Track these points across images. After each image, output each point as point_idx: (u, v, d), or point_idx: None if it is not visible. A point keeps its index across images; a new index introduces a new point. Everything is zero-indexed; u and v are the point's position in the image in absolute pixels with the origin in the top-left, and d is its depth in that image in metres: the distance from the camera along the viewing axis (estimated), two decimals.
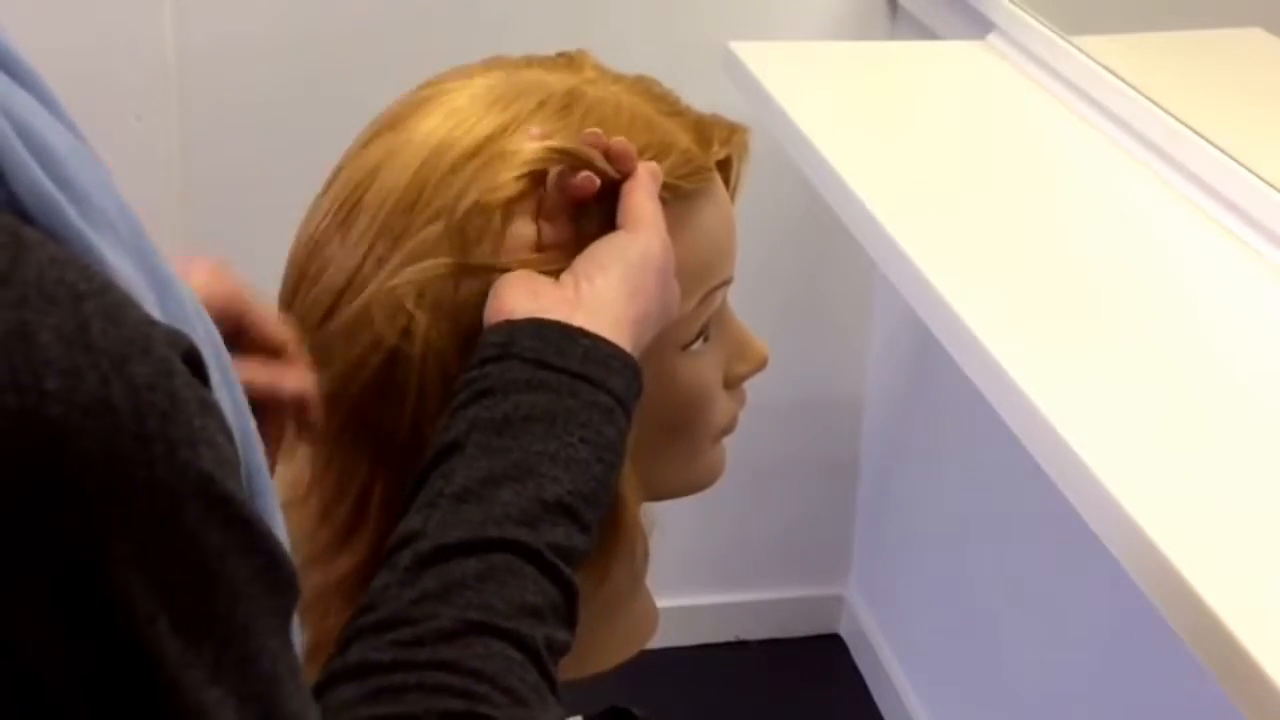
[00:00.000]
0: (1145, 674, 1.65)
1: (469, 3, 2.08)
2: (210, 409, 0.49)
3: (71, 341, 0.44)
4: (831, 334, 2.40)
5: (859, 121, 1.64)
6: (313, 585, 0.82)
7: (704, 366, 0.88)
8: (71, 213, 0.49)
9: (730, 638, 2.53)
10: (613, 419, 0.76)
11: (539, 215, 0.81)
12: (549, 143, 0.81)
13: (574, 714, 0.98)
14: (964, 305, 1.23)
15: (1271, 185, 1.34)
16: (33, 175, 0.48)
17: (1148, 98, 1.53)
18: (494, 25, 2.06)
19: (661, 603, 0.97)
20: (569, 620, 0.72)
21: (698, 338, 0.87)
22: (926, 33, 2.05)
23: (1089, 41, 1.66)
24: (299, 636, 0.55)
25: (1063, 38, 1.69)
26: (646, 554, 0.89)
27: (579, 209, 0.82)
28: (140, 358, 0.46)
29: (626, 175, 0.82)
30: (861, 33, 2.18)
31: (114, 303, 0.47)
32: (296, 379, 0.75)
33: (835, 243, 2.00)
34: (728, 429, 0.92)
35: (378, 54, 2.00)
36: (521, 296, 0.78)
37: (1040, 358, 1.17)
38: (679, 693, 2.30)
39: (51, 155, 0.50)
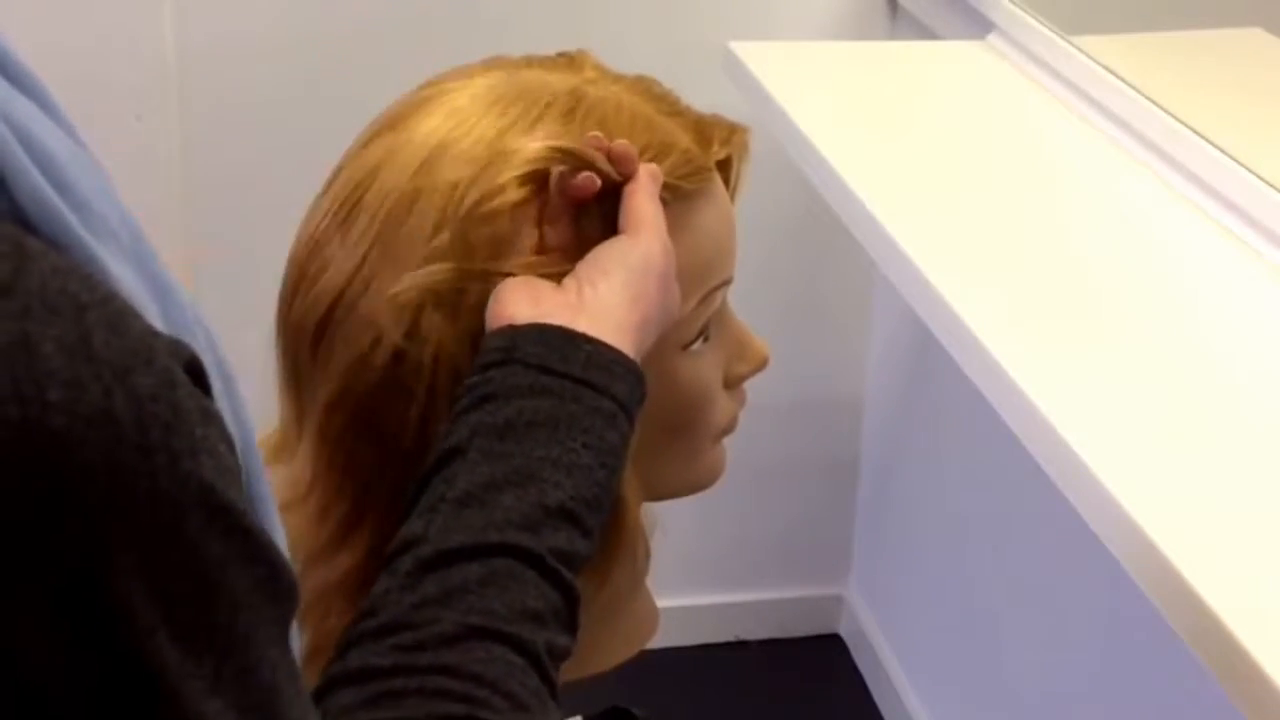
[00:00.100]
0: (1145, 674, 1.65)
1: (469, 3, 2.08)
2: (212, 419, 0.49)
3: (74, 352, 0.44)
4: (831, 334, 2.40)
5: (859, 121, 1.64)
6: (313, 585, 0.82)
7: (704, 366, 0.88)
8: (73, 221, 0.49)
9: (730, 638, 2.53)
10: (615, 424, 0.76)
11: (540, 216, 0.81)
12: (550, 143, 0.81)
13: (574, 714, 0.98)
14: (964, 305, 1.23)
15: (1271, 185, 1.34)
16: (34, 183, 0.48)
17: (1148, 98, 1.53)
18: (494, 25, 2.06)
19: (662, 603, 0.97)
20: (570, 625, 0.72)
21: (698, 338, 0.87)
22: (926, 33, 2.05)
23: (1089, 41, 1.66)
24: (298, 639, 0.55)
25: (1063, 38, 1.69)
26: (647, 554, 0.89)
27: (580, 210, 0.82)
28: (143, 368, 0.46)
29: (628, 177, 0.82)
30: (861, 33, 2.18)
31: (117, 313, 0.47)
32: None
33: (835, 243, 2.00)
34: (728, 429, 0.92)
35: (378, 54, 2.00)
36: (523, 301, 0.78)
37: (1040, 358, 1.17)
38: (679, 693, 2.30)
39: (52, 162, 0.50)
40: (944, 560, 2.24)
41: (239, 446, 0.52)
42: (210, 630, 0.48)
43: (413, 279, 0.80)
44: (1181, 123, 1.47)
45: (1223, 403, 1.13)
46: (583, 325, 0.76)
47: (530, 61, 0.89)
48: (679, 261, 0.83)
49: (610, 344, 0.77)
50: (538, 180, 0.81)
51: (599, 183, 0.81)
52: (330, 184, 0.86)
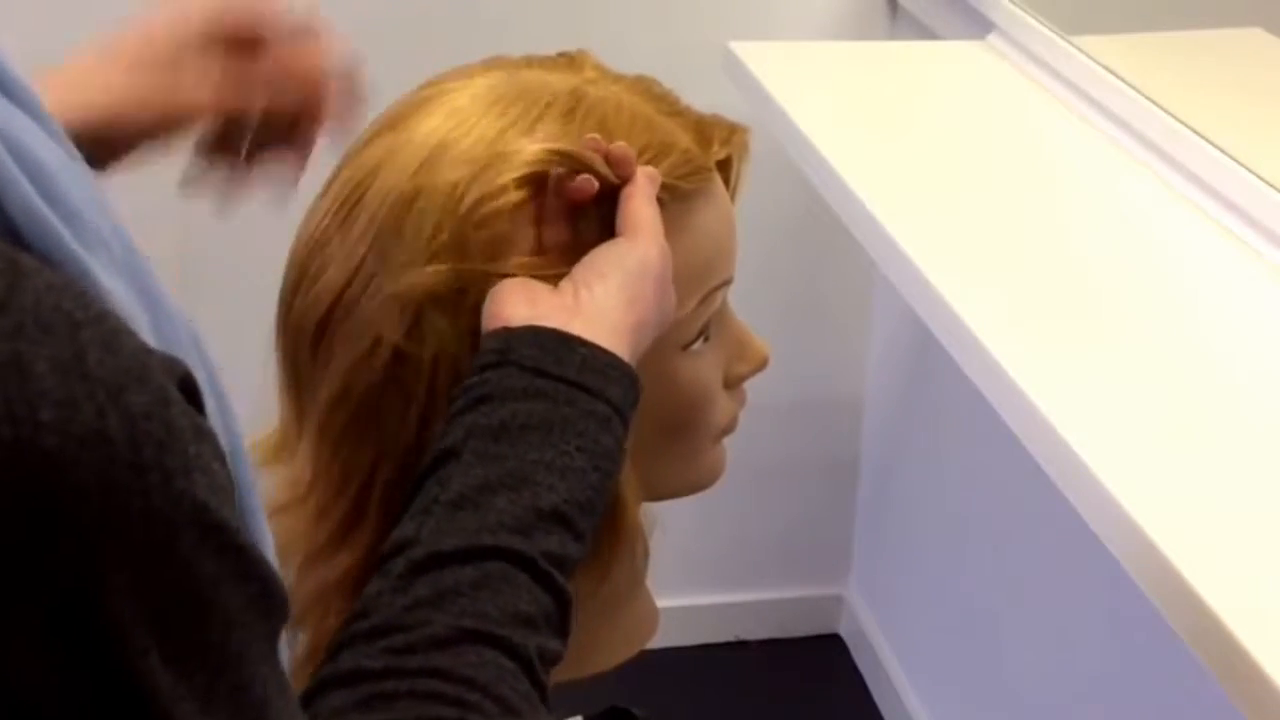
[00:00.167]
0: (1145, 674, 1.65)
1: (469, 3, 2.08)
2: (205, 436, 0.49)
3: (68, 371, 0.44)
4: (831, 334, 2.40)
5: (859, 121, 1.64)
6: (313, 584, 0.82)
7: (704, 366, 0.88)
8: (65, 234, 0.49)
9: (730, 638, 2.53)
10: (609, 428, 0.75)
11: (538, 218, 0.81)
12: (549, 145, 0.81)
13: (574, 714, 0.98)
14: (964, 305, 1.23)
15: (1271, 185, 1.34)
16: (26, 196, 0.48)
17: (1148, 98, 1.53)
18: (494, 25, 2.06)
19: (661, 603, 0.97)
20: (562, 630, 0.72)
21: (698, 338, 0.87)
22: (926, 33, 2.05)
23: (1089, 41, 1.66)
24: (289, 648, 0.55)
25: (1063, 38, 1.69)
26: (646, 554, 0.89)
27: (577, 212, 0.82)
28: (137, 387, 0.46)
29: (625, 180, 0.82)
30: (861, 33, 2.18)
31: (111, 331, 0.47)
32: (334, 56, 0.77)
33: (835, 243, 2.00)
34: (728, 429, 0.92)
35: (378, 54, 1.99)
36: (519, 303, 0.78)
37: (1040, 358, 1.17)
38: (679, 693, 2.30)
39: (43, 172, 0.49)
40: (944, 560, 2.24)
41: (229, 456, 0.52)
42: (203, 649, 0.48)
43: (413, 279, 0.80)
44: (1181, 123, 1.47)
45: (1223, 403, 1.13)
46: (578, 328, 0.76)
47: (530, 61, 0.89)
48: (679, 261, 0.83)
49: (605, 347, 0.76)
50: (536, 182, 0.81)
51: (597, 185, 0.81)
52: (330, 184, 0.86)
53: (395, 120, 0.85)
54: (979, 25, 1.85)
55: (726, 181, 0.90)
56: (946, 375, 1.53)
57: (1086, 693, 1.80)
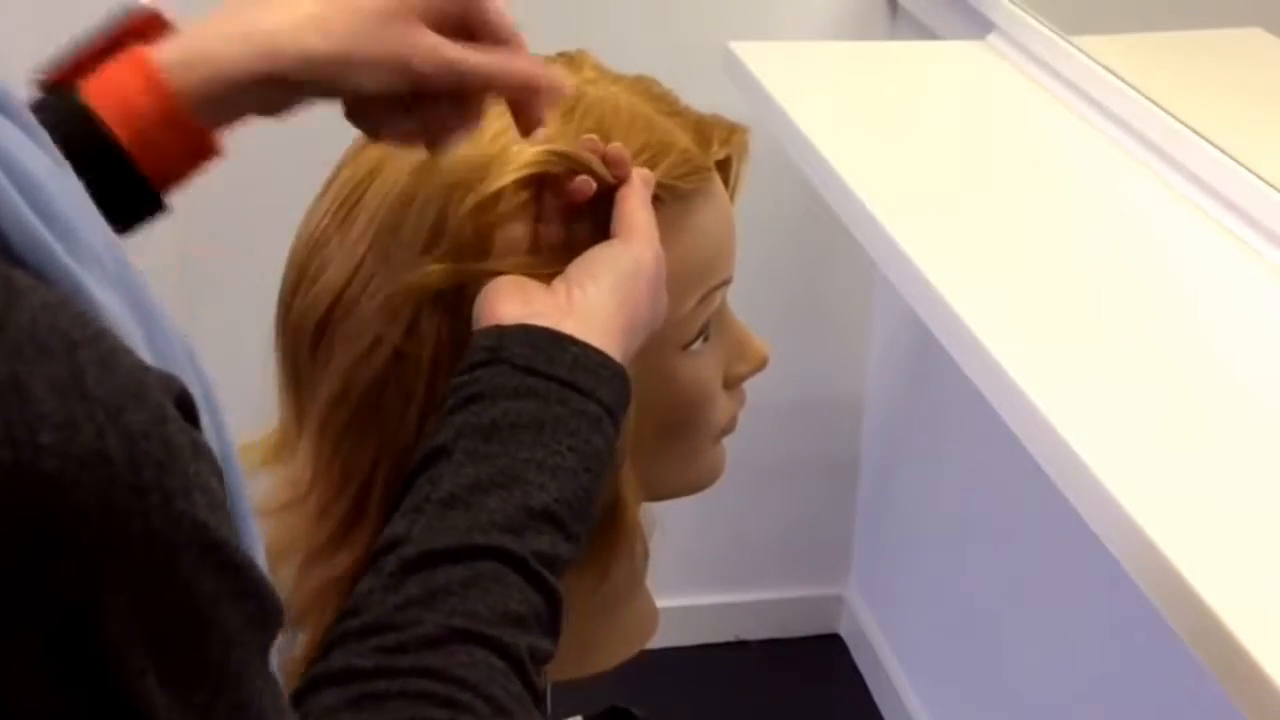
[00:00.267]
0: (1145, 674, 1.65)
1: None
2: (202, 453, 0.49)
3: (66, 392, 0.44)
4: (831, 334, 2.40)
5: (859, 121, 1.64)
6: (313, 584, 0.82)
7: (704, 366, 0.88)
8: (59, 250, 0.48)
9: (730, 638, 2.53)
10: (600, 428, 0.75)
11: (536, 218, 0.81)
12: (547, 146, 0.81)
13: (574, 714, 0.98)
14: (964, 305, 1.23)
15: (1271, 185, 1.34)
16: (19, 212, 0.48)
17: (1148, 98, 1.53)
18: None
19: (661, 603, 0.97)
20: (552, 629, 0.72)
21: (698, 338, 0.87)
22: (926, 33, 2.05)
23: (1089, 41, 1.66)
24: (276, 657, 0.55)
25: (1063, 38, 1.69)
26: (646, 554, 0.89)
27: (573, 212, 0.82)
28: (135, 406, 0.46)
29: (621, 181, 0.82)
30: (861, 33, 2.18)
31: (108, 349, 0.46)
32: (528, 63, 0.78)
33: (835, 243, 2.00)
34: (727, 429, 0.92)
35: None
36: (512, 301, 0.78)
37: (1040, 358, 1.17)
38: (679, 693, 2.30)
39: (36, 187, 0.49)
40: (944, 560, 2.24)
41: (220, 462, 0.51)
42: (202, 668, 0.48)
43: (412, 279, 0.80)
44: (1181, 123, 1.47)
45: (1223, 403, 1.13)
46: (569, 327, 0.76)
47: None
48: (678, 261, 0.83)
49: (597, 346, 0.76)
50: (535, 183, 0.81)
51: (594, 186, 0.81)
52: (330, 184, 0.86)
53: None
54: (979, 25, 1.85)
55: (726, 181, 0.90)
56: (946, 375, 1.53)
57: (1086, 693, 1.80)
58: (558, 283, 0.79)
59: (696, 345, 0.87)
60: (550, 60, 0.90)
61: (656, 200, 0.83)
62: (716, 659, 2.49)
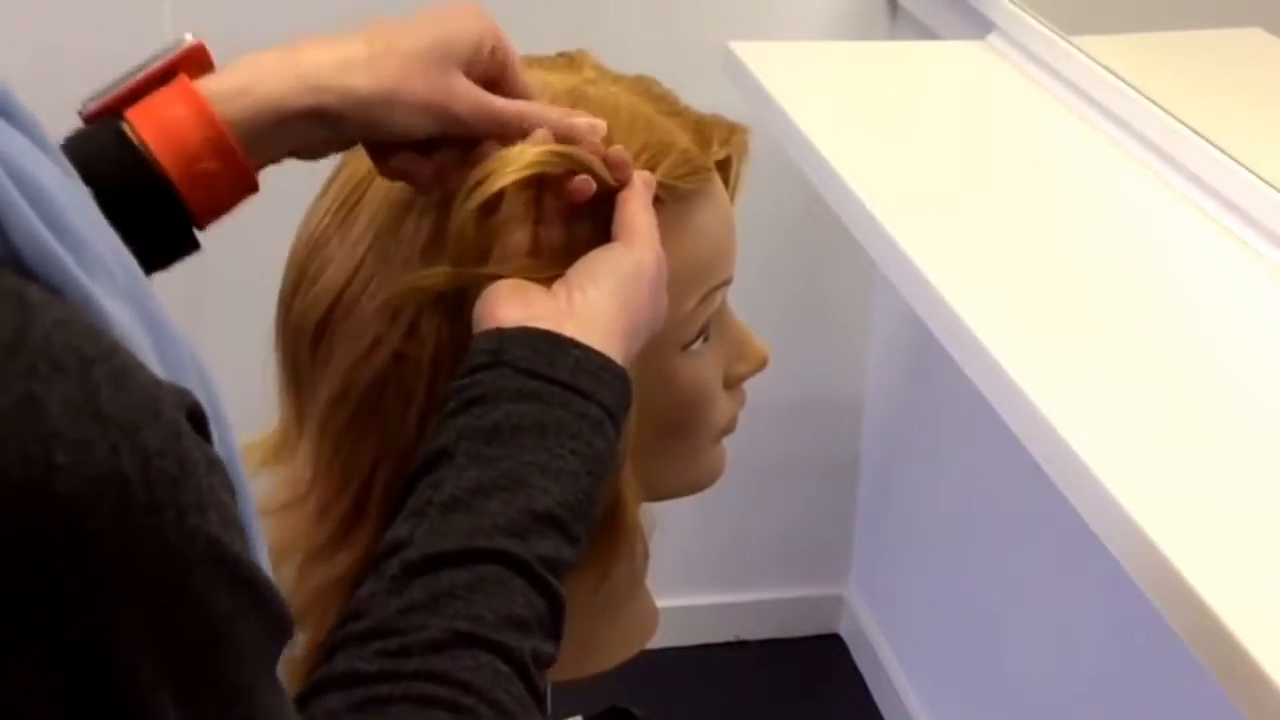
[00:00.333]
0: (1145, 674, 1.65)
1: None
2: (215, 467, 0.49)
3: (80, 411, 0.44)
4: (831, 334, 2.40)
5: (859, 121, 1.64)
6: (314, 584, 0.82)
7: (704, 366, 0.88)
8: (68, 260, 0.48)
9: (730, 638, 2.53)
10: (602, 431, 0.75)
11: (536, 219, 0.81)
12: (548, 146, 0.81)
13: (574, 714, 0.98)
14: (964, 305, 1.23)
15: (1271, 185, 1.34)
16: (30, 225, 0.48)
17: (1148, 98, 1.53)
18: None
19: (661, 603, 0.97)
20: (555, 633, 0.72)
21: (698, 338, 0.87)
22: (926, 33, 2.05)
23: (1089, 41, 1.66)
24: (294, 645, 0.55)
25: (1063, 38, 1.69)
26: (646, 554, 0.89)
27: (574, 214, 0.82)
28: (150, 423, 0.46)
29: (622, 183, 0.82)
30: (861, 33, 2.18)
31: (122, 365, 0.46)
32: (560, 113, 0.81)
33: (835, 243, 2.00)
34: (728, 429, 0.92)
35: None
36: (513, 304, 0.78)
37: (1040, 358, 1.17)
38: (679, 693, 2.30)
39: (46, 199, 0.49)
40: (944, 560, 2.24)
41: (226, 465, 0.52)
42: (215, 682, 0.48)
43: (412, 280, 0.80)
44: (1181, 123, 1.47)
45: (1223, 403, 1.13)
46: (570, 329, 0.76)
47: (530, 61, 0.89)
48: (678, 261, 0.83)
49: (598, 349, 0.76)
50: (536, 183, 0.81)
51: (594, 187, 0.81)
52: (330, 183, 0.86)
53: None
54: (979, 25, 1.85)
55: (726, 181, 0.90)
56: (946, 375, 1.53)
57: (1086, 693, 1.80)
58: (558, 285, 0.79)
59: (697, 345, 0.87)
60: (550, 60, 0.90)
61: (657, 201, 0.83)
62: (716, 659, 2.49)
